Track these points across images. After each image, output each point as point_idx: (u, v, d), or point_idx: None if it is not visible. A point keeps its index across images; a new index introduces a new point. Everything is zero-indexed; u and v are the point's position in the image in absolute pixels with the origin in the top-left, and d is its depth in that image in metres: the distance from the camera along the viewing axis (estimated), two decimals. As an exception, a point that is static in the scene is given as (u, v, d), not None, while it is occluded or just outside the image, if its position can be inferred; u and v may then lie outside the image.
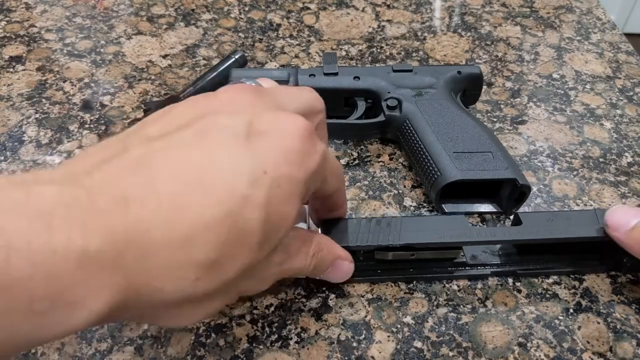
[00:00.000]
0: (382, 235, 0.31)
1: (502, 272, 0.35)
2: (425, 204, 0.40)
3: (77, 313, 0.17)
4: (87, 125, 0.46)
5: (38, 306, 0.16)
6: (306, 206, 0.33)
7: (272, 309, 0.33)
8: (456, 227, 0.32)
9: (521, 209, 0.38)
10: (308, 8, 0.62)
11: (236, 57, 0.51)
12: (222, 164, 0.20)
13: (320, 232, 0.32)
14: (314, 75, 0.45)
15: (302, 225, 0.34)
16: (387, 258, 0.33)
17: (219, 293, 0.21)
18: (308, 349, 0.31)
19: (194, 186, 0.19)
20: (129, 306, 0.19)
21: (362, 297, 0.34)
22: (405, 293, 0.34)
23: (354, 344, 0.31)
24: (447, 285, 0.34)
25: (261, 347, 0.31)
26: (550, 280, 0.35)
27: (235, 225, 0.20)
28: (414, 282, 0.35)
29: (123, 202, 0.18)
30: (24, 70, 0.52)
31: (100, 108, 0.48)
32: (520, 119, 0.47)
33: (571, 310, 0.33)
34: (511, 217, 0.37)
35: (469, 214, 0.39)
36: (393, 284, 0.34)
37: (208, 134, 0.21)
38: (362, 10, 0.61)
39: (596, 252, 0.35)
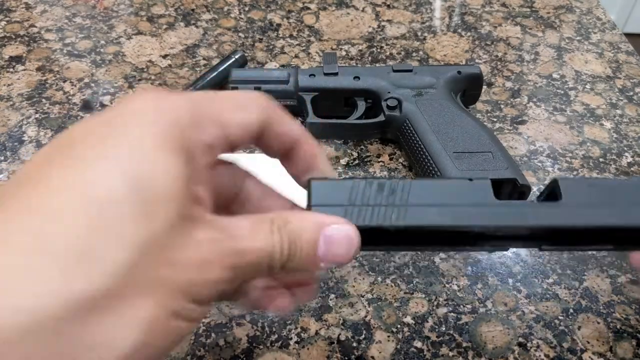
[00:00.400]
0: (383, 211, 0.24)
1: (525, 246, 0.30)
2: (425, 204, 0.40)
3: None
4: (87, 125, 0.46)
5: None
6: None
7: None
8: (478, 201, 0.25)
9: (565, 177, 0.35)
10: (308, 8, 0.62)
11: (236, 57, 0.51)
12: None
13: (306, 198, 0.25)
14: (314, 75, 0.45)
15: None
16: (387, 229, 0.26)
17: (132, 291, 0.17)
18: (308, 349, 0.31)
19: (33, 181, 0.17)
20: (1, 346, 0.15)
21: (362, 297, 0.34)
22: (405, 293, 0.34)
23: (354, 344, 0.31)
24: (447, 285, 0.34)
25: (261, 347, 0.31)
26: (550, 280, 0.35)
27: (92, 200, 0.17)
28: (414, 282, 0.35)
29: None
30: (24, 70, 0.52)
31: (100, 108, 0.48)
32: (520, 119, 0.47)
33: (571, 310, 0.33)
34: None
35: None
36: (393, 284, 0.34)
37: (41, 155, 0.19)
38: (362, 10, 0.61)
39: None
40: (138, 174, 0.17)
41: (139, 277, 0.17)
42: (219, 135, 0.21)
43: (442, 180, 0.29)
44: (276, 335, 0.32)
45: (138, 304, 0.17)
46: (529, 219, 0.25)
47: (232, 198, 0.25)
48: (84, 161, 0.17)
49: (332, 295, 0.34)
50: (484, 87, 0.50)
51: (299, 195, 0.26)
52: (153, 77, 0.51)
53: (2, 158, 0.43)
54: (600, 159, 0.44)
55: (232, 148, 0.22)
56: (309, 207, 0.24)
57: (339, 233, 0.22)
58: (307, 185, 0.25)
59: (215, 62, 0.53)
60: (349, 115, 0.44)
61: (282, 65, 0.53)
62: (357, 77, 0.45)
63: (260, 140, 0.23)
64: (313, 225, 0.22)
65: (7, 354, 0.15)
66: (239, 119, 0.21)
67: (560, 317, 0.33)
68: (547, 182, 0.42)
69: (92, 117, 0.20)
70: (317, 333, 0.32)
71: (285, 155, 0.25)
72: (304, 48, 0.56)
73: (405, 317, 0.33)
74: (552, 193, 0.26)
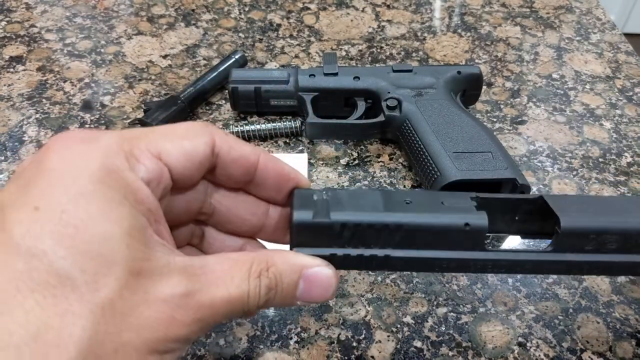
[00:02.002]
0: (367, 253, 0.23)
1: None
2: (425, 204, 0.40)
3: None
4: (87, 126, 0.46)
5: None
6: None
7: (272, 308, 0.33)
8: (470, 246, 0.23)
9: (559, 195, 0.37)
10: (308, 8, 0.62)
11: (236, 57, 0.51)
12: None
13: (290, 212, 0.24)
14: (314, 76, 0.45)
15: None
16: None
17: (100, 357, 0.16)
18: (308, 348, 0.31)
19: None
20: None
21: (362, 296, 0.34)
22: (405, 293, 0.34)
23: (354, 344, 0.31)
24: (446, 285, 0.35)
25: (261, 346, 0.31)
26: (550, 280, 0.35)
27: (37, 282, 0.16)
28: (414, 282, 0.35)
29: None
30: (25, 70, 0.52)
31: (100, 108, 0.48)
32: (520, 119, 0.47)
33: (571, 310, 0.33)
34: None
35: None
36: (393, 284, 0.35)
37: None
38: (362, 11, 0.62)
39: None
40: (76, 246, 0.17)
41: (101, 350, 0.16)
42: (163, 168, 0.20)
43: (437, 222, 0.24)
44: (276, 335, 0.32)
45: None
46: (526, 265, 0.24)
47: (200, 210, 0.24)
48: (17, 237, 0.16)
49: (332, 295, 0.34)
50: (484, 87, 0.50)
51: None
52: (153, 77, 0.52)
53: (3, 158, 0.43)
54: (600, 159, 0.44)
55: (182, 184, 0.21)
56: (291, 244, 0.23)
57: (319, 276, 0.22)
58: (290, 196, 0.24)
59: (215, 62, 0.53)
60: (349, 115, 0.44)
61: (282, 66, 0.54)
62: (357, 77, 0.45)
63: (215, 171, 0.22)
64: (294, 267, 0.22)
65: None
66: (180, 148, 0.20)
67: (559, 317, 0.33)
68: (546, 182, 0.42)
69: (16, 177, 0.19)
70: (317, 333, 0.32)
71: (250, 181, 0.24)
72: (304, 48, 0.56)
73: (405, 316, 0.33)
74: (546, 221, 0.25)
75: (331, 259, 0.23)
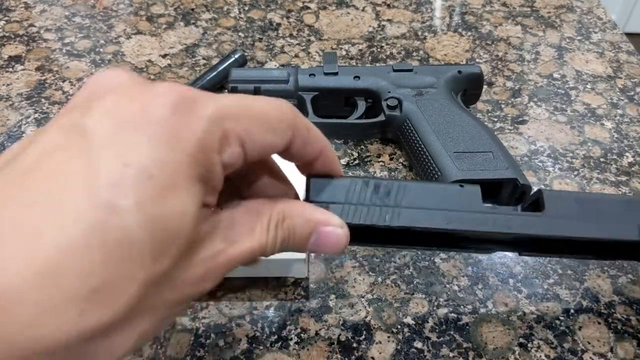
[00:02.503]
0: (377, 210, 0.26)
1: (507, 249, 0.31)
2: (425, 204, 0.40)
3: None
4: (86, 125, 0.46)
5: None
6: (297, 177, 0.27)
7: (271, 309, 0.33)
8: (467, 206, 0.26)
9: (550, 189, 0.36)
10: (308, 7, 0.62)
11: (236, 56, 0.50)
12: (73, 169, 0.17)
13: (304, 194, 0.26)
14: (314, 75, 0.45)
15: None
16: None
17: (135, 315, 0.18)
18: (308, 349, 0.31)
19: (42, 210, 0.16)
20: None
21: (362, 297, 0.34)
22: (405, 293, 0.34)
23: (354, 345, 0.31)
24: (447, 285, 0.34)
25: (261, 347, 0.31)
26: (551, 281, 0.35)
27: (108, 239, 0.16)
28: (414, 282, 0.34)
29: None
30: (23, 70, 0.52)
31: (99, 108, 0.48)
32: (520, 118, 0.47)
33: (572, 311, 0.33)
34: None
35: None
36: (393, 284, 0.34)
37: (54, 138, 0.17)
38: (363, 10, 0.61)
39: (628, 248, 0.29)
40: (155, 214, 0.17)
41: (143, 305, 0.18)
42: (242, 156, 0.20)
43: (434, 184, 0.30)
44: (276, 336, 0.32)
45: (138, 323, 0.18)
46: (513, 227, 0.26)
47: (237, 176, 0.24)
48: (102, 187, 0.16)
49: (332, 296, 0.34)
50: (485, 86, 0.49)
51: (299, 188, 0.27)
52: (152, 77, 0.51)
53: (1, 158, 0.43)
54: (601, 159, 0.43)
55: (253, 160, 0.22)
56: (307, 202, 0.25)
57: (331, 234, 0.24)
58: (306, 182, 0.26)
59: (215, 61, 0.53)
60: (349, 115, 0.44)
61: (282, 65, 0.53)
62: (357, 77, 0.44)
63: (284, 153, 0.23)
64: (308, 223, 0.23)
65: None
66: (263, 140, 0.21)
67: (561, 318, 0.33)
68: (547, 182, 0.42)
69: (102, 109, 0.18)
70: (317, 333, 0.32)
71: (305, 164, 0.25)
72: (304, 47, 0.56)
73: (406, 317, 0.33)
74: (535, 203, 0.27)
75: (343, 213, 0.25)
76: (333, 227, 0.24)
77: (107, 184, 0.16)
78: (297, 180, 0.27)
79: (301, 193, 0.27)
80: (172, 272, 0.18)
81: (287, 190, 0.25)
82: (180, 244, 0.18)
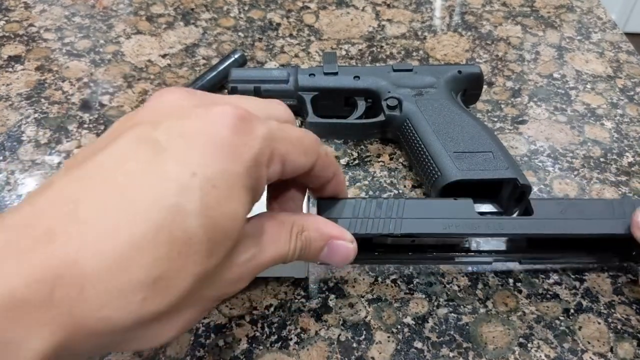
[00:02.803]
0: (381, 222, 0.29)
1: (506, 260, 0.34)
2: (425, 204, 0.40)
3: (17, 355, 0.17)
4: (86, 125, 0.46)
5: None
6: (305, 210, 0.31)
7: (271, 309, 0.33)
8: (462, 215, 0.29)
9: (537, 197, 0.37)
10: (308, 7, 0.62)
11: (236, 56, 0.50)
12: (143, 177, 0.19)
13: (315, 213, 0.29)
14: (314, 75, 0.45)
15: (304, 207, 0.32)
16: (385, 242, 0.32)
17: (183, 306, 0.21)
18: (308, 349, 0.31)
19: (118, 207, 0.19)
20: (79, 342, 0.18)
21: (362, 297, 0.34)
22: (405, 293, 0.34)
23: (354, 345, 0.31)
24: (447, 285, 0.34)
25: (261, 347, 0.31)
26: (551, 281, 0.35)
27: (172, 236, 0.19)
28: (414, 282, 0.34)
29: (48, 237, 0.18)
30: (23, 69, 0.52)
31: (99, 108, 0.48)
32: (520, 118, 0.47)
33: (572, 311, 0.33)
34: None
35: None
36: (393, 284, 0.34)
37: (127, 148, 0.20)
38: (362, 10, 0.61)
39: (608, 244, 0.33)
40: (213, 217, 0.20)
41: (191, 297, 0.20)
42: (280, 172, 0.24)
43: (430, 199, 0.35)
44: (276, 336, 0.32)
45: (184, 312, 0.21)
46: (505, 229, 0.30)
47: None
48: (165, 186, 0.19)
49: (332, 296, 0.34)
50: (485, 86, 0.49)
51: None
52: (152, 77, 0.51)
53: (1, 158, 0.43)
54: (601, 159, 0.43)
55: (285, 177, 0.25)
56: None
57: (341, 247, 0.27)
58: (317, 202, 0.30)
59: (214, 61, 0.53)
60: (349, 115, 0.44)
61: (282, 65, 0.53)
62: (357, 77, 0.44)
63: (307, 175, 0.26)
64: (323, 235, 0.26)
65: (85, 342, 0.18)
66: (297, 162, 0.24)
67: (560, 318, 0.33)
68: (547, 182, 0.42)
69: (170, 121, 0.21)
70: (317, 334, 0.32)
71: (320, 186, 0.28)
72: (303, 47, 0.55)
73: (406, 317, 0.33)
74: (526, 211, 0.31)
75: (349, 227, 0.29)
76: (344, 242, 0.27)
77: (176, 190, 0.19)
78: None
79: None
80: (218, 270, 0.21)
81: (300, 207, 0.28)
82: (229, 245, 0.21)
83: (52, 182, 0.20)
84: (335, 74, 0.45)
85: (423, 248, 0.33)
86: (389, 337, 0.32)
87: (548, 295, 0.34)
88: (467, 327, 0.32)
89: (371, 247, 0.33)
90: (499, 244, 0.34)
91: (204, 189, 0.19)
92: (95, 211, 0.18)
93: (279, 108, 0.26)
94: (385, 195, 0.40)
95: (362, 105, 0.44)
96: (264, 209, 0.30)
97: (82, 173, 0.20)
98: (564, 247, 0.33)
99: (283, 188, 0.28)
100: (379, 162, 0.43)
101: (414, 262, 0.34)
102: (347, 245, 0.27)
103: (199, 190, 0.19)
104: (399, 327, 0.32)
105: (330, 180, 0.28)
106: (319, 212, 0.29)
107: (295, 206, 0.28)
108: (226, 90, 0.46)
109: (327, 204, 0.29)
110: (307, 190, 0.31)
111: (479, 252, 0.34)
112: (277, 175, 0.23)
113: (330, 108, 0.45)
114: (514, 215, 0.33)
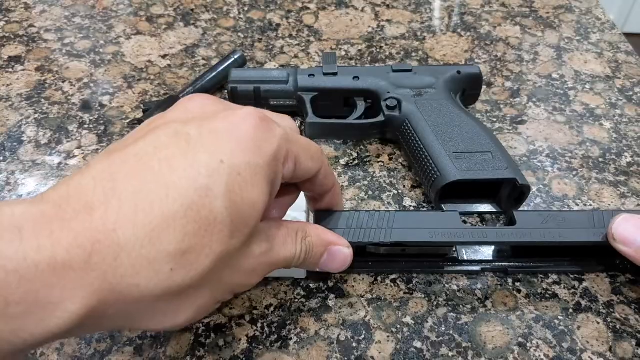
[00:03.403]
0: (374, 232, 0.32)
1: (493, 269, 0.35)
2: (424, 204, 0.40)
3: (54, 315, 0.18)
4: (86, 126, 0.46)
5: (14, 310, 0.18)
6: (304, 199, 0.33)
7: (271, 309, 0.33)
8: (448, 225, 0.32)
9: (521, 209, 0.38)
10: (307, 8, 0.62)
11: (235, 57, 0.51)
12: (178, 161, 0.21)
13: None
14: (314, 76, 0.45)
15: (302, 216, 0.34)
16: (378, 252, 0.34)
17: (203, 285, 0.22)
18: (308, 349, 0.31)
19: (154, 186, 0.20)
20: (109, 306, 0.20)
21: (362, 297, 0.34)
22: (404, 293, 0.34)
23: (354, 344, 0.31)
24: (446, 285, 0.34)
25: (261, 347, 0.31)
26: (550, 280, 0.35)
27: (200, 215, 0.21)
28: (414, 282, 0.35)
29: (87, 209, 0.20)
30: (23, 70, 0.52)
31: (99, 108, 0.48)
32: (519, 119, 0.47)
33: (571, 310, 0.33)
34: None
35: (469, 214, 0.39)
36: (392, 284, 0.34)
37: (162, 139, 0.22)
38: (362, 10, 0.61)
39: (591, 254, 0.35)
40: (237, 201, 0.22)
41: (211, 277, 0.22)
42: (293, 172, 0.26)
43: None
44: (276, 336, 0.32)
45: (202, 293, 0.23)
46: (489, 237, 0.32)
47: None
48: (197, 170, 0.21)
49: (332, 296, 0.34)
50: (484, 87, 0.50)
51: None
52: (152, 77, 0.51)
53: (2, 158, 0.43)
54: (600, 159, 0.44)
55: (294, 180, 0.27)
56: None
57: (339, 253, 0.30)
58: (315, 214, 0.32)
59: (214, 62, 0.53)
60: (348, 115, 0.44)
61: (282, 65, 0.53)
62: (356, 77, 0.45)
63: (305, 184, 0.29)
64: (323, 241, 0.29)
65: (114, 308, 0.20)
66: (307, 164, 0.27)
67: (559, 317, 0.33)
68: (546, 182, 0.42)
69: (200, 121, 0.23)
70: (316, 333, 0.32)
71: (320, 196, 0.31)
72: (303, 48, 0.56)
73: (405, 317, 0.33)
74: (510, 222, 0.33)
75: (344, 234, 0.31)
76: (341, 247, 0.30)
77: (206, 173, 0.21)
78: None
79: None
80: (237, 255, 0.23)
81: (282, 217, 0.30)
82: (247, 232, 0.23)
83: (90, 166, 0.22)
84: (335, 74, 0.45)
85: (414, 257, 0.35)
86: (388, 336, 0.32)
87: (547, 295, 0.34)
88: (467, 326, 0.32)
89: (365, 257, 0.34)
90: (487, 255, 0.35)
91: (231, 175, 0.21)
92: (131, 189, 0.20)
93: (288, 119, 0.28)
94: (384, 196, 0.40)
95: (361, 106, 0.44)
96: (303, 217, 0.33)
97: (120, 157, 0.21)
98: (549, 257, 0.35)
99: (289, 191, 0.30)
100: (378, 162, 0.43)
101: (405, 271, 0.35)
102: (345, 251, 0.30)
103: (226, 175, 0.21)
104: (398, 326, 0.32)
105: (329, 190, 0.30)
106: (317, 222, 0.32)
107: (282, 212, 0.30)
108: (226, 91, 0.46)
109: (324, 215, 0.32)
110: (307, 202, 0.33)
111: (468, 262, 0.35)
112: (291, 174, 0.26)
113: (329, 108, 0.45)
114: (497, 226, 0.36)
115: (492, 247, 0.36)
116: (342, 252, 0.30)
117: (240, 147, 0.22)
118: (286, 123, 0.28)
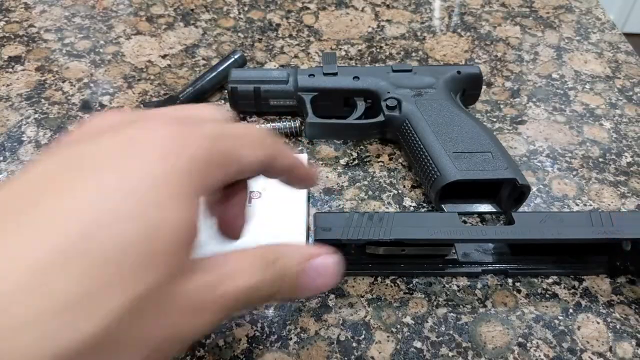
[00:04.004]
0: (373, 230, 0.32)
1: (493, 271, 0.35)
2: (424, 204, 0.40)
3: None
4: (86, 126, 0.46)
5: None
6: (304, 221, 0.33)
7: (271, 309, 0.33)
8: (447, 225, 0.32)
9: (520, 209, 0.38)
10: (307, 8, 0.62)
11: (235, 57, 0.51)
12: (73, 186, 0.17)
13: (313, 225, 0.32)
14: (314, 76, 0.45)
15: (301, 238, 0.34)
16: (378, 252, 0.34)
17: (117, 342, 0.16)
18: (308, 349, 0.31)
19: (40, 219, 0.16)
20: None
21: (362, 297, 0.34)
22: (404, 293, 0.34)
23: (354, 344, 0.31)
24: (446, 285, 0.34)
25: (261, 347, 0.31)
26: (550, 280, 0.35)
27: (103, 247, 0.16)
28: (414, 282, 0.35)
29: None
30: (23, 70, 0.52)
31: (99, 108, 0.48)
32: (519, 119, 0.47)
33: (571, 310, 0.33)
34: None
35: (469, 214, 0.39)
36: (392, 284, 0.34)
37: (55, 164, 0.18)
38: (362, 10, 0.61)
39: (591, 252, 0.35)
40: (152, 225, 0.17)
41: (127, 330, 0.17)
42: (235, 171, 0.22)
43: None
44: (276, 336, 0.32)
45: (120, 355, 0.17)
46: (488, 235, 0.32)
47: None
48: (96, 193, 0.17)
49: (332, 296, 0.34)
50: (484, 87, 0.50)
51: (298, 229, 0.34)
52: (152, 77, 0.51)
53: (1, 158, 0.43)
54: (600, 159, 0.44)
55: (240, 177, 0.23)
56: (316, 230, 0.32)
57: (321, 265, 0.23)
58: (314, 216, 0.33)
59: (214, 62, 0.53)
60: (348, 115, 0.44)
61: (282, 65, 0.53)
62: (356, 77, 0.45)
63: (266, 171, 0.24)
64: (302, 257, 0.23)
65: None
66: (254, 155, 0.22)
67: (559, 317, 0.33)
68: (546, 182, 0.42)
69: (100, 137, 0.19)
70: (316, 333, 0.32)
71: (288, 177, 0.26)
72: (303, 48, 0.56)
73: (405, 317, 0.33)
74: (508, 222, 0.33)
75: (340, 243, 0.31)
76: (323, 257, 0.23)
77: (107, 194, 0.17)
78: (297, 225, 0.34)
79: (298, 232, 0.35)
80: (159, 294, 0.17)
81: (243, 209, 0.26)
82: (173, 260, 0.18)
83: None
84: (335, 74, 0.45)
85: (414, 259, 0.35)
86: (388, 336, 0.32)
87: (547, 295, 0.34)
88: (467, 326, 0.32)
89: (365, 260, 0.34)
90: (485, 255, 0.35)
91: (137, 193, 0.17)
92: (15, 225, 0.16)
93: (211, 108, 0.24)
94: (384, 196, 0.40)
95: (361, 106, 0.44)
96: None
97: (12, 187, 0.17)
98: (548, 256, 0.35)
99: (226, 192, 0.26)
100: (378, 162, 0.43)
101: (405, 273, 0.35)
102: (328, 260, 0.23)
103: (137, 195, 0.17)
104: (398, 326, 0.32)
105: (293, 168, 0.26)
106: (316, 223, 0.32)
107: (239, 211, 0.26)
108: (226, 91, 0.46)
109: (322, 216, 0.32)
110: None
111: (468, 264, 0.35)
112: (234, 172, 0.22)
113: (329, 108, 0.45)
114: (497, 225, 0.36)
115: (492, 249, 0.36)
116: (325, 263, 0.23)
117: (153, 159, 0.18)
118: (211, 115, 0.23)
